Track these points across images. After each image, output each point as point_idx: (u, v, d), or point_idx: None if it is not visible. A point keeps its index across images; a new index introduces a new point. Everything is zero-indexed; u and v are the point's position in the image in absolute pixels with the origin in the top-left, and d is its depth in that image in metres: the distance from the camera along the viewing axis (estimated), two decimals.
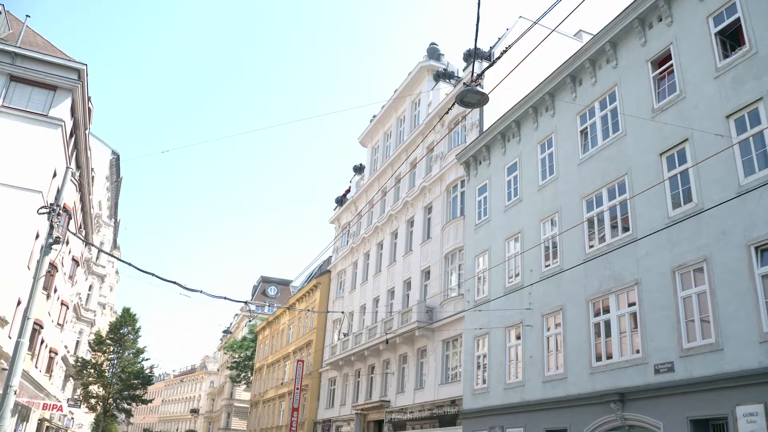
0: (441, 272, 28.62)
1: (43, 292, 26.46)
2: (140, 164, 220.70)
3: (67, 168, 17.39)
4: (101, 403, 50.12)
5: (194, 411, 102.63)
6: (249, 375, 66.33)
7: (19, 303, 24.37)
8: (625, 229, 17.70)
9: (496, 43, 30.62)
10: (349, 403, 36.35)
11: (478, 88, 10.38)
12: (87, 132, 29.65)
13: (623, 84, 18.90)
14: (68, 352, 44.84)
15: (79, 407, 49.16)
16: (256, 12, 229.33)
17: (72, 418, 49.20)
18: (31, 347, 28.69)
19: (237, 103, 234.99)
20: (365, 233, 39.59)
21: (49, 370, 35.82)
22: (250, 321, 64.64)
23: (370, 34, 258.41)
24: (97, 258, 52.56)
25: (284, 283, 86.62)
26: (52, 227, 15.66)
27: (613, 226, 18.25)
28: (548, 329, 20.17)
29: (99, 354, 50.68)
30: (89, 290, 51.75)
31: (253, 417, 57.67)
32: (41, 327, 29.61)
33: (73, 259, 37.02)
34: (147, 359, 56.03)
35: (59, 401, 37.39)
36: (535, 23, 9.09)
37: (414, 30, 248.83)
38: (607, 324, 17.66)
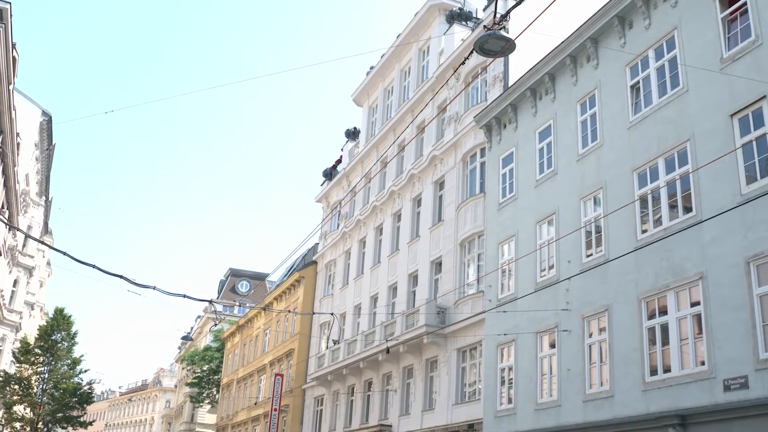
0: (455, 264, 28.75)
1: None
2: (78, 128, 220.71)
3: None
4: (28, 428, 50.42)
5: None
6: (214, 393, 66.79)
7: None
8: (687, 209, 17.76)
9: None
10: (340, 428, 36.67)
11: (502, 33, 10.41)
12: (11, 87, 29.62)
13: (684, 27, 18.85)
14: None
15: None
16: None
17: None
18: None
19: (199, 52, 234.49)
20: (360, 215, 39.70)
21: None
22: (215, 325, 64.79)
23: None
24: (24, 246, 52.65)
25: (259, 278, 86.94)
26: None
27: (672, 206, 18.31)
28: (590, 335, 20.31)
29: (26, 366, 50.92)
30: (14, 286, 51.89)
31: None
32: None
33: None
34: (86, 371, 56.37)
35: None
36: None
37: None
38: (665, 329, 17.78)
